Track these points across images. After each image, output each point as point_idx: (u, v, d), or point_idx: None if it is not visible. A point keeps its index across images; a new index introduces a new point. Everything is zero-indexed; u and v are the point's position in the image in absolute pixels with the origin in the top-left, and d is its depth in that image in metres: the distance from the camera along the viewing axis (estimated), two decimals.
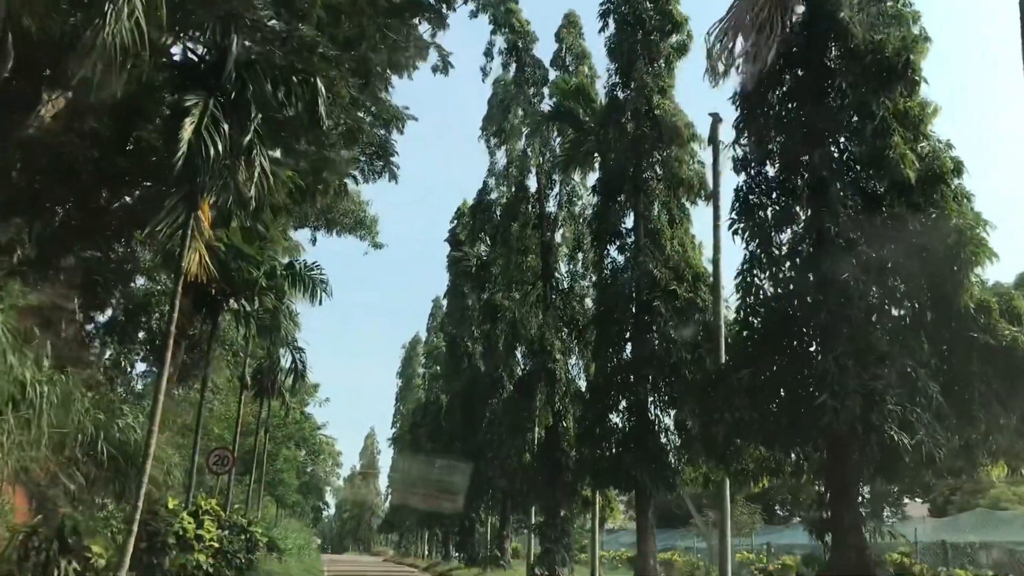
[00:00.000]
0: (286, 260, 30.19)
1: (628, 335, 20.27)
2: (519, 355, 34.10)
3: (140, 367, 39.07)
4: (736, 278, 13.61)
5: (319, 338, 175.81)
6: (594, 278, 28.00)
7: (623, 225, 21.58)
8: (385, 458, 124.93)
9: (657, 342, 19.24)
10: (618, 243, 21.48)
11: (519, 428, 28.71)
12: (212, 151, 14.73)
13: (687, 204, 21.29)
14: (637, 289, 20.03)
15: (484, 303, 36.66)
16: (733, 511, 39.87)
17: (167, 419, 29.62)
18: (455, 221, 45.51)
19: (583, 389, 27.39)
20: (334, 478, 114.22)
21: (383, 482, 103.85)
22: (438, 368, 54.00)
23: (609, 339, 20.50)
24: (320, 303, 33.46)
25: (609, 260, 21.55)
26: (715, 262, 17.28)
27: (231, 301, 22.85)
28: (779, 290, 12.88)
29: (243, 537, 24.95)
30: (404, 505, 63.64)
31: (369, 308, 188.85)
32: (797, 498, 65.49)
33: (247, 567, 25.05)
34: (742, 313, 13.35)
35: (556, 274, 28.81)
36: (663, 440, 19.60)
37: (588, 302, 28.10)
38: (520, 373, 31.46)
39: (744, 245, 13.88)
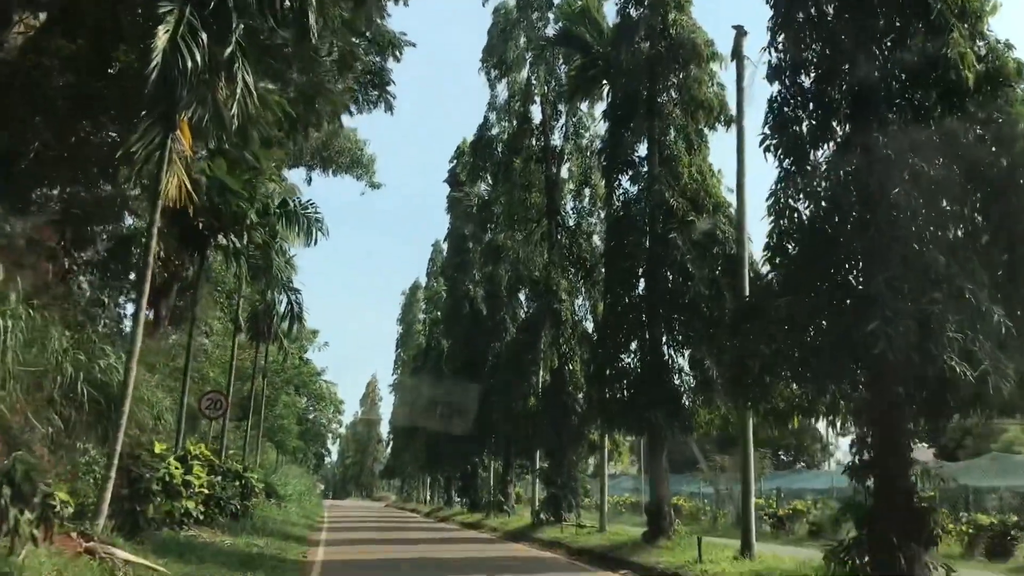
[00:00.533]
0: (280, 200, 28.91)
1: (641, 271, 19.03)
2: (523, 298, 32.98)
3: (132, 309, 38.11)
4: (768, 200, 12.27)
5: (319, 286, 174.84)
6: (603, 213, 26.71)
7: (635, 154, 20.20)
8: (387, 405, 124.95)
9: (672, 277, 17.99)
10: (630, 173, 20.10)
11: (523, 371, 27.65)
12: (189, 63, 13.33)
13: (705, 130, 19.84)
14: (651, 221, 18.72)
15: (486, 244, 35.38)
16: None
17: (158, 362, 28.70)
18: (455, 161, 43.98)
19: (590, 331, 26.31)
20: (336, 425, 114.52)
21: (385, 428, 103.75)
22: (439, 313, 52.92)
23: (621, 275, 19.25)
24: (315, 243, 32.26)
25: (620, 192, 20.19)
26: (739, 187, 15.93)
27: (219, 237, 21.54)
28: (818, 211, 11.55)
29: (238, 484, 24.08)
30: (406, 448, 63.24)
31: (369, 255, 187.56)
32: (801, 443, 65.23)
33: (242, 514, 24.23)
34: (775, 238, 12.03)
35: (561, 211, 27.47)
36: (676, 381, 18.51)
37: (596, 240, 26.83)
38: (524, 316, 30.31)
39: (777, 163, 12.53)
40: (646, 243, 19.07)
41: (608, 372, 18.61)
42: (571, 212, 27.73)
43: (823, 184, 11.91)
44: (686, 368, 18.54)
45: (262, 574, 14.24)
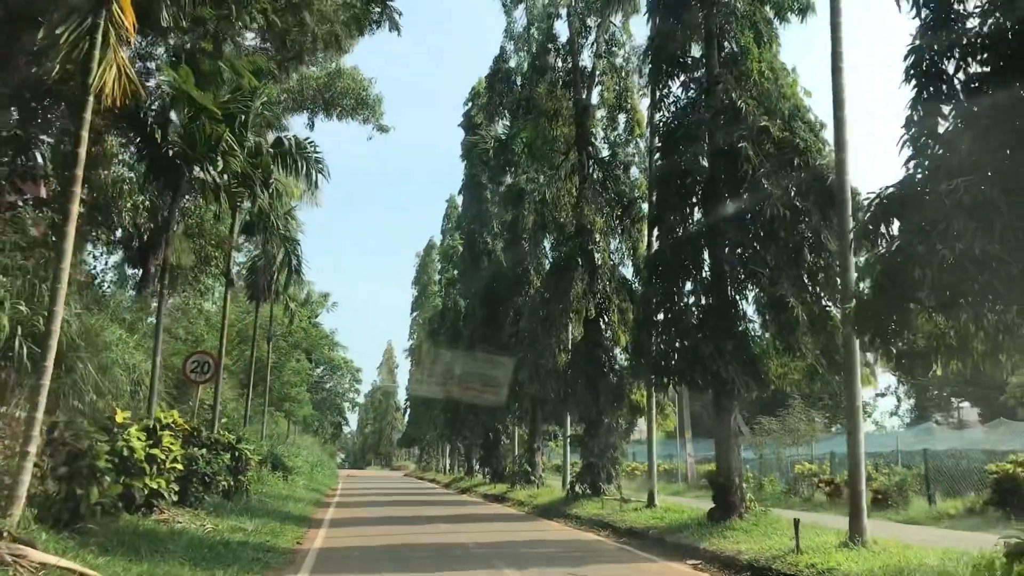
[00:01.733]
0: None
1: (700, 191, 15.54)
2: (547, 246, 29.52)
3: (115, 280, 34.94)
4: (907, 59, 8.81)
5: (335, 256, 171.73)
6: (642, 143, 23.20)
7: (688, 54, 16.61)
8: (404, 372, 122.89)
9: (742, 196, 14.49)
10: (682, 78, 16.53)
11: (552, 324, 24.27)
12: None
13: (776, 22, 16.20)
14: (711, 130, 15.16)
15: (506, 189, 31.90)
16: (787, 418, 35.99)
17: (140, 320, 25.52)
18: (469, 103, 40.36)
19: (628, 277, 22.93)
20: (353, 394, 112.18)
21: (402, 396, 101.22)
22: (455, 272, 49.64)
23: (674, 198, 15.74)
24: (316, 186, 29.06)
25: (671, 100, 16.63)
26: (835, 72, 12.30)
27: (196, 169, 18.21)
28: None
29: (229, 456, 21.03)
30: (424, 414, 60.40)
31: (382, 221, 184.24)
32: (839, 403, 61.65)
33: (236, 491, 21.25)
34: (919, 110, 8.57)
35: (593, 141, 23.89)
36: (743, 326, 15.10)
37: (634, 172, 23.34)
38: (549, 265, 26.90)
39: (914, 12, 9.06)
40: (703, 160, 15.58)
41: (663, 316, 15.21)
42: (603, 143, 24.18)
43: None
44: (749, 311, 15.08)
45: (235, 570, 11.12)
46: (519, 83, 30.90)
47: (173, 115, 18.03)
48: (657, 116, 16.70)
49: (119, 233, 28.14)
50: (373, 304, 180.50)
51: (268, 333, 39.95)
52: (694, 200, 15.87)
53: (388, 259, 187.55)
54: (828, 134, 14.37)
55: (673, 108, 16.45)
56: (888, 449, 33.58)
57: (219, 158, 17.32)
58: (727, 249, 14.85)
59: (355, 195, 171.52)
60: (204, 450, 19.01)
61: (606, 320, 22.46)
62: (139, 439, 14.11)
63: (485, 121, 35.60)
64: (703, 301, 15.18)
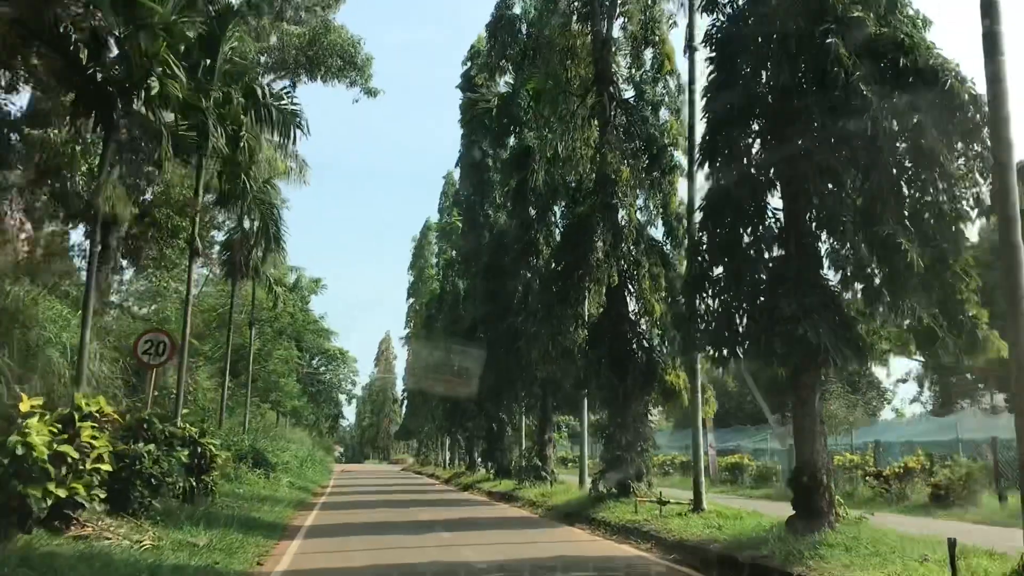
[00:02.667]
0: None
1: (767, 112, 12.10)
2: (558, 213, 26.08)
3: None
4: None
5: (328, 243, 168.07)
6: (672, 81, 19.78)
7: None
8: (402, 364, 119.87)
9: (836, 111, 11.02)
10: None
11: (568, 297, 20.84)
12: None
13: None
14: (782, 32, 11.70)
15: (512, 149, 28.47)
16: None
17: (96, 302, 22.33)
18: (468, 63, 36.85)
19: (656, 238, 19.54)
20: (349, 386, 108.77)
21: (400, 387, 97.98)
22: (453, 253, 46.23)
23: (735, 124, 12.31)
24: (294, 141, 25.86)
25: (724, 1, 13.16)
26: None
27: (133, 101, 14.74)
28: None
29: (187, 453, 17.67)
30: (422, 405, 57.09)
31: (377, 209, 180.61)
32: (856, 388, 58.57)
33: (197, 493, 17.94)
34: None
35: (615, 79, 20.41)
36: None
37: (664, 114, 19.91)
38: (562, 230, 23.49)
39: None
40: (762, 78, 12.16)
41: (721, 271, 11.80)
42: (627, 84, 20.73)
43: None
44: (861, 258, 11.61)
45: None
46: (524, 31, 27.46)
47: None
48: (708, 22, 13.21)
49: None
50: (369, 296, 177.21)
51: (251, 317, 36.53)
52: (757, 126, 12.47)
53: (384, 248, 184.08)
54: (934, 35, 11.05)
55: (730, 9, 13.00)
56: (927, 438, 30.34)
57: (155, 82, 13.78)
58: (808, 182, 11.41)
59: (346, 181, 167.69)
60: (152, 446, 15.62)
61: (633, 288, 19.06)
62: (44, 433, 10.69)
63: (486, 77, 32.10)
64: (775, 251, 11.79)
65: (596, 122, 19.97)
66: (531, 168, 25.29)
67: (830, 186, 11.34)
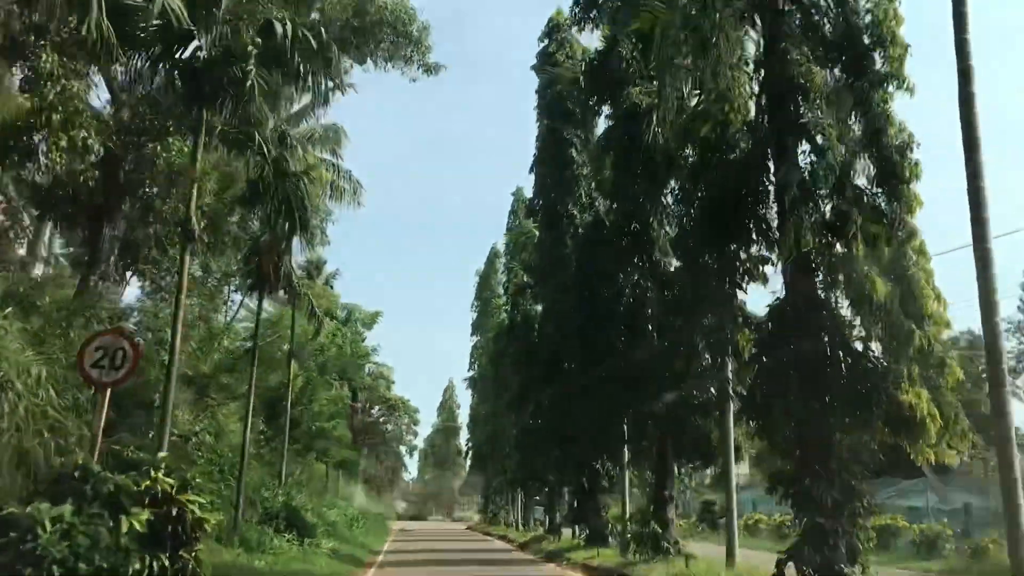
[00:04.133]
0: None
1: None
2: (674, 185, 19.39)
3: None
4: None
5: (385, 302, 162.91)
6: None
7: None
8: (466, 411, 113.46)
9: None
10: None
11: (708, 296, 14.09)
12: None
13: None
14: None
15: (613, 121, 22.04)
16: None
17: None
18: (544, 40, 30.88)
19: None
20: (410, 437, 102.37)
21: (464, 437, 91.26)
22: (525, 277, 39.78)
23: None
24: (326, 101, 20.17)
25: None
26: None
27: None
28: None
29: (149, 516, 11.36)
30: (490, 456, 50.26)
31: (435, 261, 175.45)
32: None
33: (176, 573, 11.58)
34: None
35: None
36: None
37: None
38: (704, 191, 16.67)
39: None
40: None
41: None
42: None
43: None
44: None
45: None
46: None
47: None
48: None
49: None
50: (430, 350, 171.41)
51: (290, 349, 30.52)
52: None
53: (443, 302, 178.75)
54: None
55: None
56: None
57: None
58: None
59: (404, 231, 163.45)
60: (67, 507, 9.39)
61: (831, 259, 12.28)
62: None
63: (570, 46, 25.93)
64: None
65: (759, 22, 13.38)
66: (643, 133, 18.86)
67: None
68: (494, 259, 54.78)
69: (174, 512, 11.86)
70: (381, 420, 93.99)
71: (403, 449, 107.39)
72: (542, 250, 30.17)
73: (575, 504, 27.97)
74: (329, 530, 29.09)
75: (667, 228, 19.58)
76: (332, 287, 43.44)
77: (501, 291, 52.60)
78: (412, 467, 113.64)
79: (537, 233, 31.50)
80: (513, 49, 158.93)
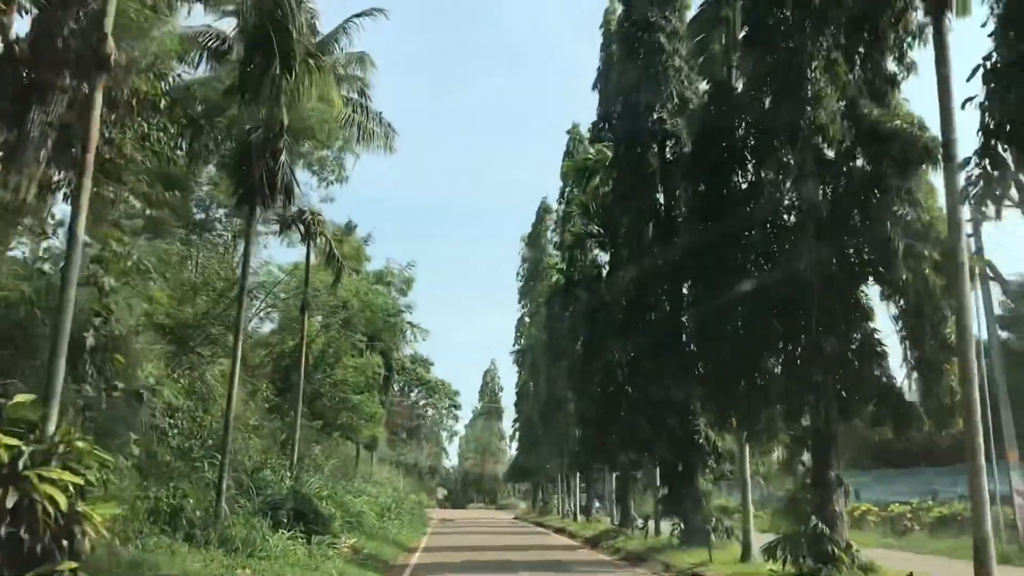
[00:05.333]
0: None
1: None
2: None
3: None
4: None
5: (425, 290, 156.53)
6: None
7: None
8: (509, 394, 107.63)
9: None
10: None
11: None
12: None
13: None
14: None
15: None
16: None
17: None
18: None
19: None
20: (451, 421, 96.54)
21: (509, 420, 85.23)
22: (583, 226, 33.35)
23: None
24: None
25: None
26: None
27: None
28: None
29: None
30: (545, 435, 43.94)
31: (472, 243, 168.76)
32: None
33: None
34: None
35: None
36: None
37: None
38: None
39: None
40: None
41: None
42: None
43: None
44: None
45: None
46: None
47: None
48: None
49: None
50: (469, 333, 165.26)
51: (303, 296, 24.51)
52: None
53: (483, 282, 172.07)
54: None
55: None
56: None
57: None
58: None
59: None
60: None
61: None
62: None
63: None
64: None
65: None
66: None
67: None
68: (544, 215, 48.38)
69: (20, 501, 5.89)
70: (420, 403, 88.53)
71: (444, 434, 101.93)
72: (619, 171, 23.64)
73: (668, 490, 21.51)
74: (352, 523, 23.20)
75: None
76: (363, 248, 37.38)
77: (552, 250, 46.29)
78: (452, 454, 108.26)
79: (610, 154, 25.05)
80: None
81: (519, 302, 54.89)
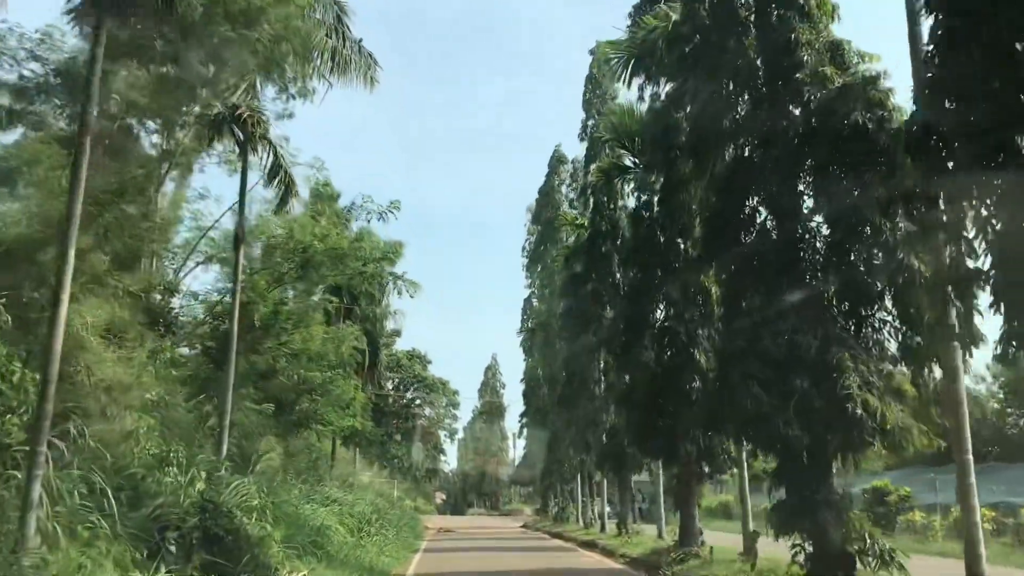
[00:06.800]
0: None
1: None
2: None
3: None
4: None
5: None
6: None
7: None
8: (512, 392, 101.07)
9: None
10: None
11: None
12: None
13: None
14: None
15: None
16: None
17: None
18: None
19: None
20: (449, 420, 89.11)
21: (514, 416, 78.13)
22: (618, 160, 26.02)
23: None
24: None
25: None
26: None
27: None
28: None
29: None
30: (563, 432, 36.45)
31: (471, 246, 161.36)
32: None
33: None
34: None
35: None
36: None
37: None
38: None
39: None
40: None
41: None
42: None
43: None
44: None
45: None
46: None
47: None
48: None
49: None
50: (468, 338, 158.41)
51: (237, 223, 17.07)
52: None
53: (481, 282, 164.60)
54: None
55: None
56: None
57: None
58: None
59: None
60: None
61: None
62: None
63: None
64: None
65: None
66: None
67: None
68: (557, 166, 40.99)
69: None
70: (417, 403, 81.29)
71: (442, 435, 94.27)
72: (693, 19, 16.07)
73: (788, 492, 13.94)
74: (307, 544, 15.78)
75: None
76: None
77: (567, 208, 38.90)
78: (451, 456, 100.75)
79: (673, 15, 17.58)
80: None
81: (526, 279, 47.59)
